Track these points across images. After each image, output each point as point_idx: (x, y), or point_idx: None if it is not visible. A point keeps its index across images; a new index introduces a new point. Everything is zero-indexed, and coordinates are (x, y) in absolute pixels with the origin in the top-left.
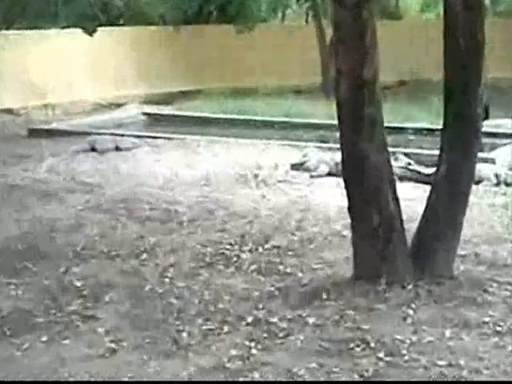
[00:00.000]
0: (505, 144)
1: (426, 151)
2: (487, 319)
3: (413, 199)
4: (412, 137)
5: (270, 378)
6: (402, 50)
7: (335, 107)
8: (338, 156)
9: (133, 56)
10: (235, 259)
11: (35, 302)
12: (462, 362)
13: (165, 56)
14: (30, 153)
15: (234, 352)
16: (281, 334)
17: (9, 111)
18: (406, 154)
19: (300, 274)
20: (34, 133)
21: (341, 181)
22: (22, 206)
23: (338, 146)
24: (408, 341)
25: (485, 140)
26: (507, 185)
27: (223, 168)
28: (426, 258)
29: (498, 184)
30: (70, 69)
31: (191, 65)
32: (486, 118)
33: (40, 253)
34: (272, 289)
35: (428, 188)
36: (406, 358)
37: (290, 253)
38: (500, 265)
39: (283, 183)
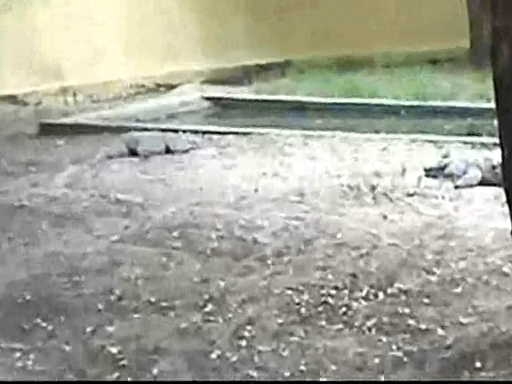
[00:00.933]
0: None
1: None
2: None
3: None
4: None
5: None
6: None
7: (491, 84)
8: (495, 156)
9: (191, 16)
10: (344, 311)
11: (51, 375)
12: None
13: (237, 15)
14: (41, 159)
15: None
16: None
17: (11, 99)
18: None
19: (441, 332)
20: (48, 129)
21: (501, 192)
22: (31, 236)
23: (496, 140)
24: None
25: None
26: None
27: (324, 176)
28: None
29: None
30: (98, 36)
31: (275, 26)
32: None
33: (57, 305)
34: (399, 354)
35: None
36: None
37: (426, 300)
38: None
39: (414, 197)
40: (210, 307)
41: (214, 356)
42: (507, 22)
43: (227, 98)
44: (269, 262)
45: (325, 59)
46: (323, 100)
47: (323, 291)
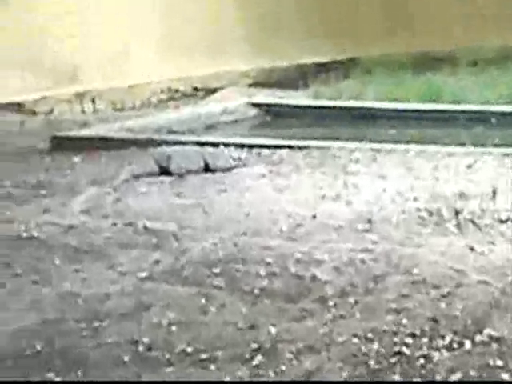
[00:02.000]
0: None
1: None
2: None
3: None
4: None
5: None
6: None
7: None
8: None
9: (234, 6)
10: (422, 363)
11: None
12: None
13: (290, 7)
14: (53, 180)
15: None
16: None
17: (17, 107)
18: None
19: None
20: (61, 144)
21: None
22: (42, 273)
23: None
24: None
25: None
26: None
27: (398, 199)
28: None
29: None
30: (123, 30)
31: (336, 17)
32: None
33: (74, 357)
34: None
35: None
36: None
37: None
38: None
39: (508, 224)
40: (258, 359)
41: None
42: None
43: (279, 105)
44: (330, 303)
45: (397, 56)
46: (395, 106)
47: (396, 339)
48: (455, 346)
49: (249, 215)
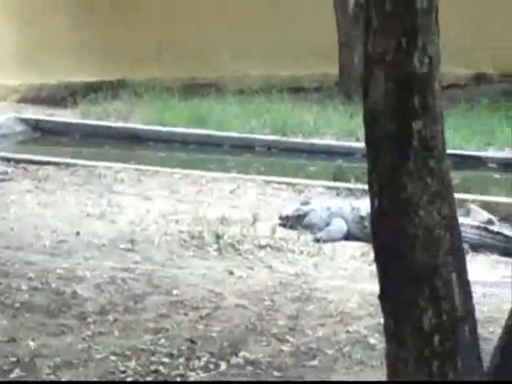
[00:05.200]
0: None
1: None
2: None
3: (495, 284)
4: (498, 173)
5: None
6: (484, 24)
7: (361, 117)
8: (364, 205)
9: (2, 21)
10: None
11: None
12: None
13: (61, 22)
14: None
15: None
16: None
17: None
18: (486, 205)
19: None
20: None
21: (368, 248)
22: None
23: (365, 187)
24: None
25: None
26: None
27: (161, 221)
28: None
29: None
30: None
31: (108, 37)
32: None
33: None
34: None
35: None
36: None
37: (276, 373)
38: None
39: (266, 250)
40: (16, 372)
41: None
42: (382, 46)
43: (47, 121)
44: (90, 320)
45: (166, 81)
46: (162, 129)
47: (154, 358)
48: (211, 366)
49: (13, 229)
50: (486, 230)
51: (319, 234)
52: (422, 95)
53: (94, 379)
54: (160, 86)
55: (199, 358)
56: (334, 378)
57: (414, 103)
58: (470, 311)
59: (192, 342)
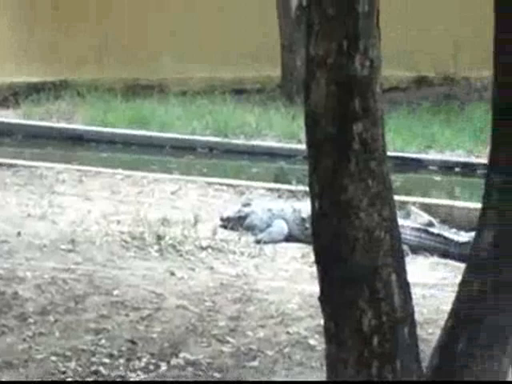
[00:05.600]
0: None
1: (460, 203)
2: None
3: (435, 285)
4: (438, 176)
5: None
6: (425, 27)
7: (303, 120)
8: (305, 207)
9: None
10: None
11: None
12: None
13: (3, 23)
14: None
15: None
16: None
17: None
18: (426, 207)
19: None
20: None
21: (309, 250)
22: None
23: (306, 188)
24: None
25: None
26: None
27: (102, 221)
28: None
29: None
30: None
31: (51, 38)
32: None
33: None
34: None
35: (462, 267)
36: None
37: (216, 374)
38: None
39: (207, 251)
40: None
41: None
42: (324, 49)
43: None
44: (31, 320)
45: (108, 82)
46: (104, 130)
47: (94, 359)
48: (151, 367)
49: None
50: (426, 232)
51: (260, 236)
52: (363, 98)
53: (35, 379)
54: (102, 87)
55: (140, 359)
56: (275, 379)
57: (355, 106)
58: (409, 313)
59: (132, 342)
